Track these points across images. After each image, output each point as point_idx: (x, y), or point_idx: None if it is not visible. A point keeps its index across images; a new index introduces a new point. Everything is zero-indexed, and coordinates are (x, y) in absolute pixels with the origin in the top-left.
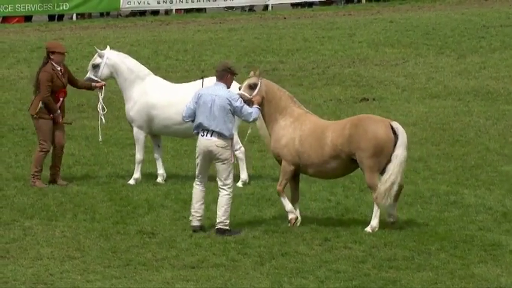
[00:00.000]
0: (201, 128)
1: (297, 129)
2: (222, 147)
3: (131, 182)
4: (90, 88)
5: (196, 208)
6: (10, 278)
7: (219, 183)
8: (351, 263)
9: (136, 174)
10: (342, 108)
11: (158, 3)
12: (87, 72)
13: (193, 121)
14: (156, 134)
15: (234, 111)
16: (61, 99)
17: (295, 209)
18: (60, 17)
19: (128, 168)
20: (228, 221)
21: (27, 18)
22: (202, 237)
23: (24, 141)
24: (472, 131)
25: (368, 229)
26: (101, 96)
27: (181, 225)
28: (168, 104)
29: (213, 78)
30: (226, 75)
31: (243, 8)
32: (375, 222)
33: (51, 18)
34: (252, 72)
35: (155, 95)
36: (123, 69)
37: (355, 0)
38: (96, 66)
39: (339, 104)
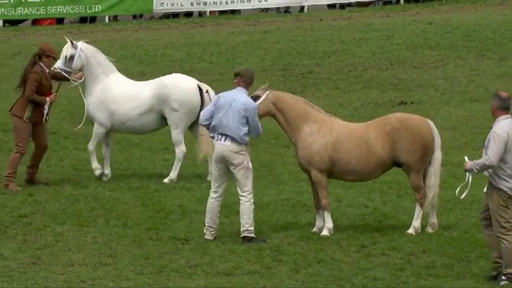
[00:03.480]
0: (216, 132)
1: (327, 135)
2: (235, 152)
3: (95, 173)
4: (67, 79)
5: (211, 223)
6: (42, 285)
7: (238, 190)
8: (389, 271)
9: (94, 164)
10: (380, 111)
11: (192, 4)
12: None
13: (210, 124)
14: (114, 130)
15: (248, 119)
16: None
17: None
18: (93, 19)
19: (161, 173)
20: (252, 228)
21: (59, 21)
22: (236, 243)
23: (56, 146)
24: None
25: (411, 231)
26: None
27: None
28: (125, 98)
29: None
30: (251, 82)
31: (278, 10)
32: (417, 223)
33: (83, 20)
34: (262, 86)
35: (114, 90)
36: (92, 63)
37: (393, 1)
38: (71, 58)
39: (376, 108)
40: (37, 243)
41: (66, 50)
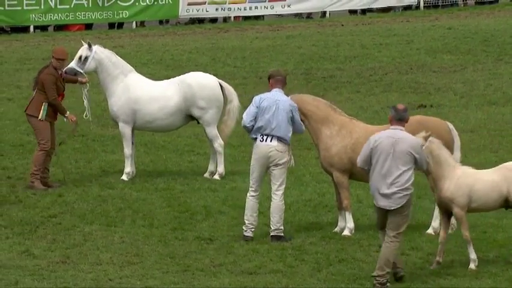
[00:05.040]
0: (261, 133)
1: (347, 137)
2: (281, 152)
3: (124, 177)
4: (74, 82)
5: (251, 220)
6: (70, 283)
7: (273, 188)
8: (408, 270)
9: (128, 169)
10: None
11: (216, 10)
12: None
13: (253, 126)
14: (139, 129)
15: (293, 118)
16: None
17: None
18: (120, 25)
19: (186, 175)
20: (282, 228)
21: (88, 26)
22: (260, 243)
23: (85, 148)
24: None
25: (430, 231)
26: (85, 91)
27: (239, 231)
28: (150, 99)
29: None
30: (286, 82)
31: (300, 15)
32: (436, 223)
33: (111, 26)
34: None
35: (137, 90)
36: (107, 64)
37: (413, 7)
38: (85, 59)
39: None
40: (66, 242)
41: (82, 51)
